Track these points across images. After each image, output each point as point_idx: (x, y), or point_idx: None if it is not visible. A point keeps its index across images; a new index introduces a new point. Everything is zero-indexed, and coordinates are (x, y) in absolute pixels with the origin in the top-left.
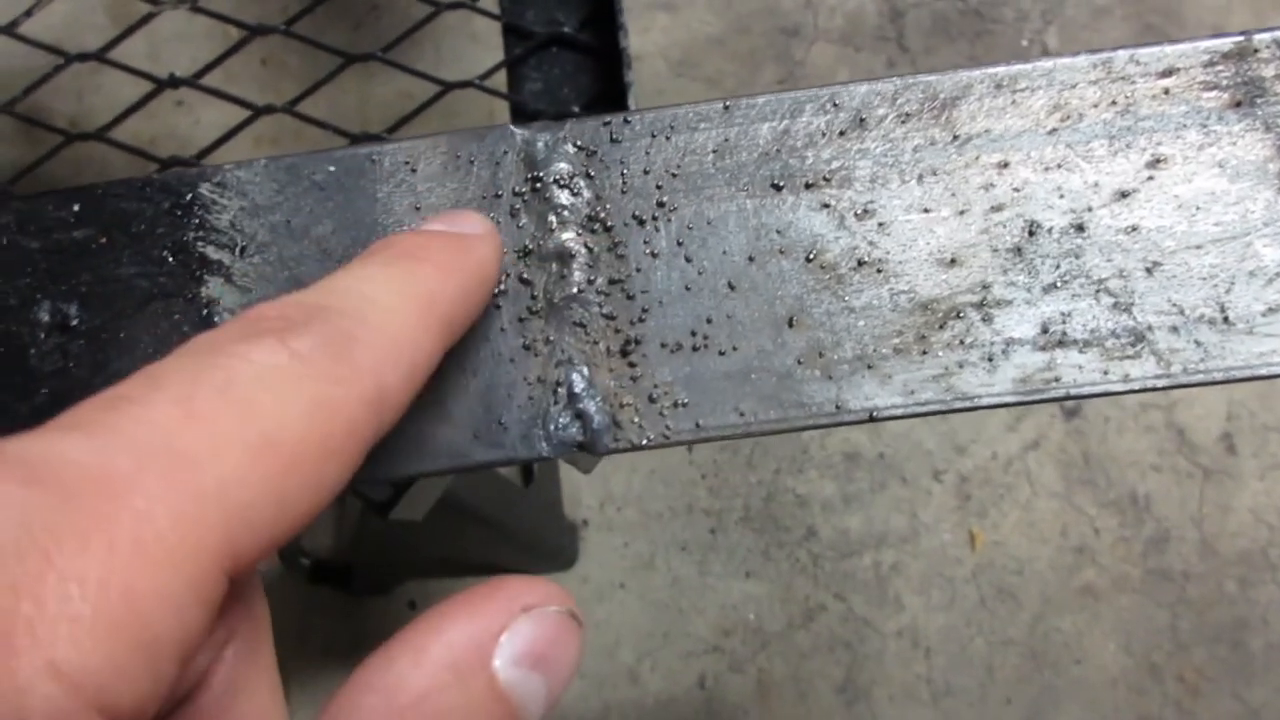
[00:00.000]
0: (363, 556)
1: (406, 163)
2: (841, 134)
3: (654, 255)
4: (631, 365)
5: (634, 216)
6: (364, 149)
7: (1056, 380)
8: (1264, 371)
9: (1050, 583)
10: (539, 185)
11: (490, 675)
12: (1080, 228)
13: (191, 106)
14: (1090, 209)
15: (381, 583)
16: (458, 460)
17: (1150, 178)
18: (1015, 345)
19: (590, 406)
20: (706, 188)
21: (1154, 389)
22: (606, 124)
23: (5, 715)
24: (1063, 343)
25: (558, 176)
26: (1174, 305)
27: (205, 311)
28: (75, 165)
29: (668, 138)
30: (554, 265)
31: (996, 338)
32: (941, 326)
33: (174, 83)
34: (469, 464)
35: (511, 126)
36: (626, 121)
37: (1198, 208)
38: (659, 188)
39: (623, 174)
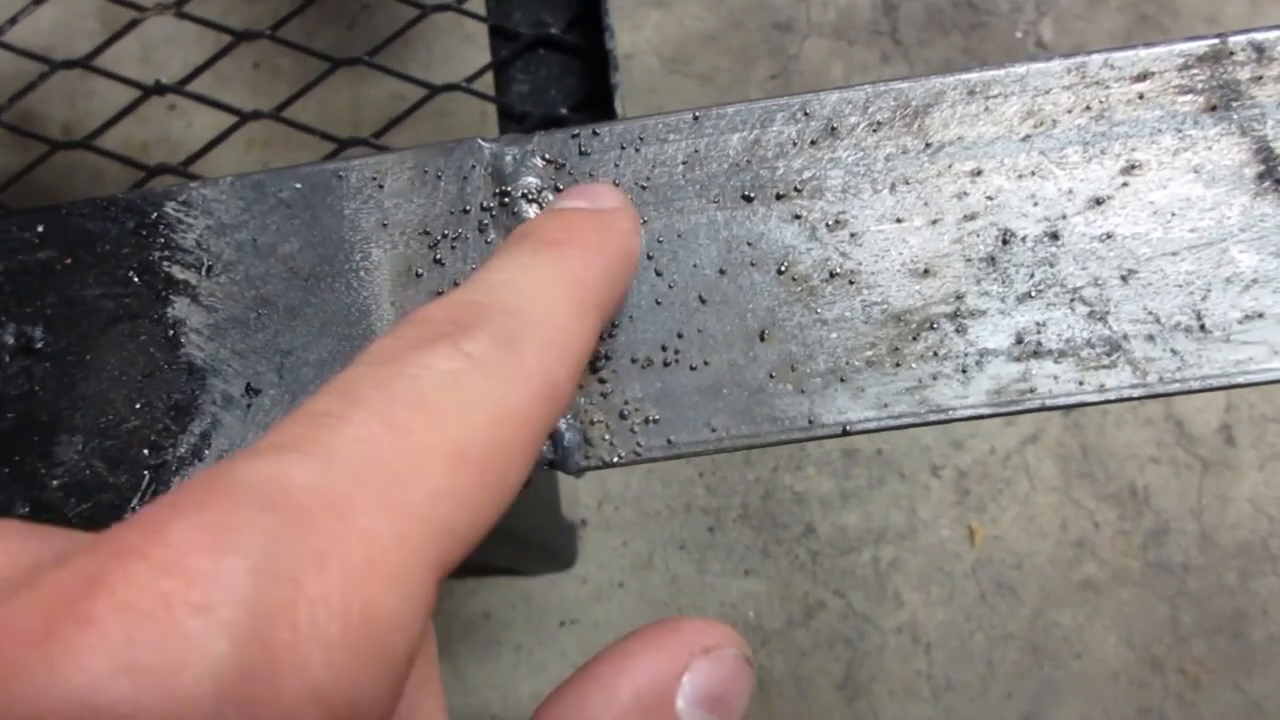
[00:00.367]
0: None
1: (373, 178)
2: (813, 143)
3: None
4: (602, 381)
5: None
6: (330, 165)
7: (1031, 391)
8: (1241, 380)
9: (1050, 577)
10: (507, 200)
11: (674, 715)
12: (1054, 236)
13: (184, 110)
14: (1064, 216)
15: None
16: None
17: (1125, 184)
18: (989, 356)
19: (560, 424)
20: (676, 200)
21: (1130, 399)
22: (575, 136)
23: None
24: (1037, 353)
25: (526, 190)
26: (1150, 313)
27: (171, 332)
28: (67, 171)
29: (637, 150)
30: None
31: (970, 349)
32: (915, 338)
33: (160, 89)
34: None
35: (479, 140)
36: (595, 134)
37: (1173, 214)
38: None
39: None
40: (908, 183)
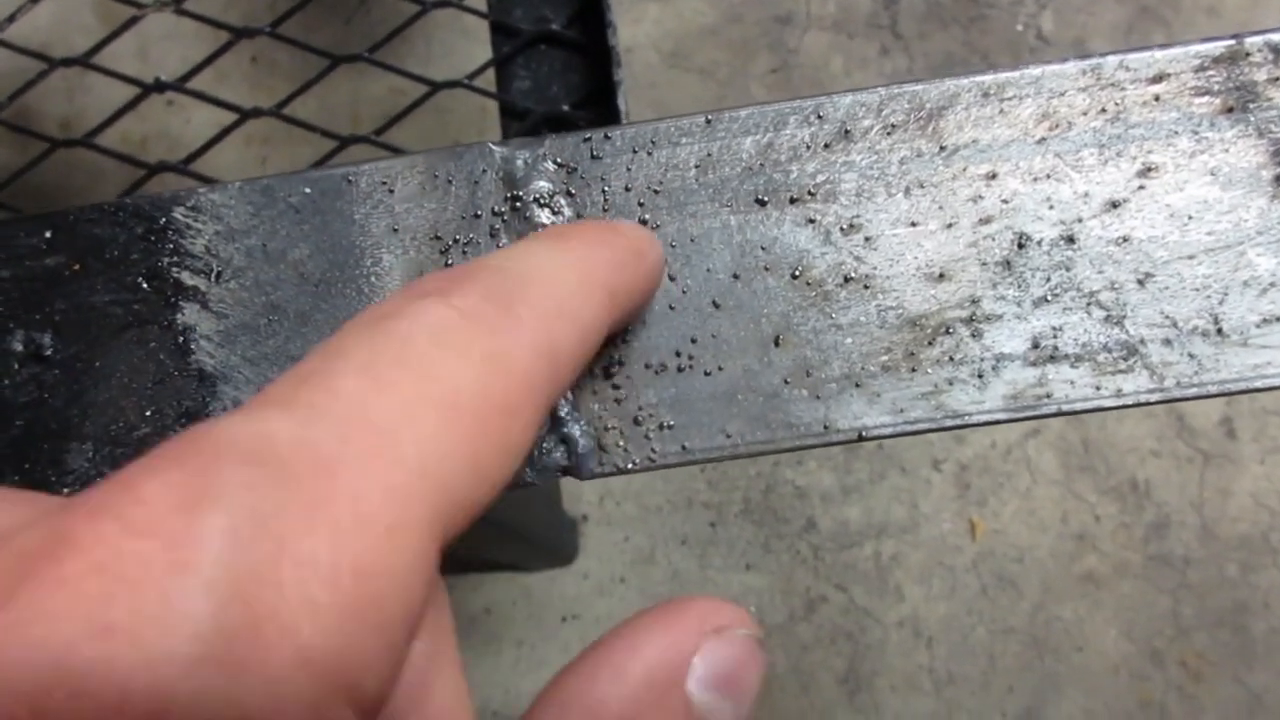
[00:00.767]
0: None
1: (384, 183)
2: (826, 146)
3: None
4: (615, 387)
5: None
6: (340, 169)
7: (1048, 396)
8: (1259, 384)
9: (1051, 570)
10: (519, 204)
11: (685, 696)
12: (1070, 239)
13: (183, 106)
14: (1080, 220)
15: None
16: None
17: (1141, 187)
18: (1006, 361)
19: (575, 430)
20: (689, 204)
21: (1147, 404)
22: (587, 140)
23: (261, 710)
24: (1054, 358)
25: (538, 195)
26: (1167, 317)
27: (181, 339)
28: (66, 168)
29: (649, 153)
30: None
31: (986, 353)
32: (930, 343)
33: (159, 87)
34: None
35: (490, 144)
36: (607, 138)
37: (1190, 217)
38: (641, 205)
39: (604, 191)
40: (922, 186)
